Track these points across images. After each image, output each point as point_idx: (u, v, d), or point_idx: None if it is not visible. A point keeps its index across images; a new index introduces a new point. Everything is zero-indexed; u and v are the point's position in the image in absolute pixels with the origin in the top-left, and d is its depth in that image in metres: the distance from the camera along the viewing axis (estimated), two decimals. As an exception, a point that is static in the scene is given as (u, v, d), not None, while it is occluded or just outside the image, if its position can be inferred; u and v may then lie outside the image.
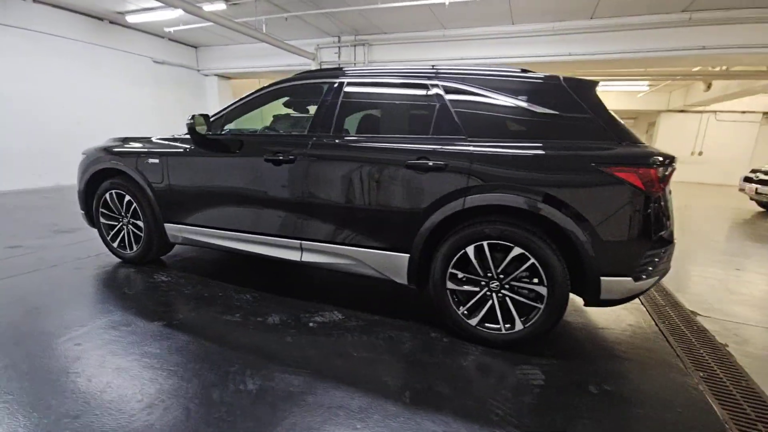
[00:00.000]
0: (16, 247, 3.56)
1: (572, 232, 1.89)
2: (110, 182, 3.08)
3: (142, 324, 2.23)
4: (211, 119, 2.75)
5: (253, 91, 2.77)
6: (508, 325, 2.06)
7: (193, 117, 2.62)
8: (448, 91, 2.25)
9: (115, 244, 3.21)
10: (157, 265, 3.20)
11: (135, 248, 3.12)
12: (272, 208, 2.56)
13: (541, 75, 2.18)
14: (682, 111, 13.26)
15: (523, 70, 2.28)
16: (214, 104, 10.63)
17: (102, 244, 3.30)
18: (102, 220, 3.19)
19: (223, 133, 2.84)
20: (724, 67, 8.17)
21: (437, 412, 1.59)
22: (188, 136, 2.76)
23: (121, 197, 3.06)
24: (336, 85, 2.52)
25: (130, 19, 7.55)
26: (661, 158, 1.88)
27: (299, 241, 2.53)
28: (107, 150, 3.10)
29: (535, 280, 1.98)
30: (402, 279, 2.30)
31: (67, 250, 3.50)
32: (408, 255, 2.23)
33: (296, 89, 2.82)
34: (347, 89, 2.50)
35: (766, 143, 12.64)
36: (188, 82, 10.27)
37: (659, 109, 13.66)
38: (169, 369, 1.81)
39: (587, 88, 2.06)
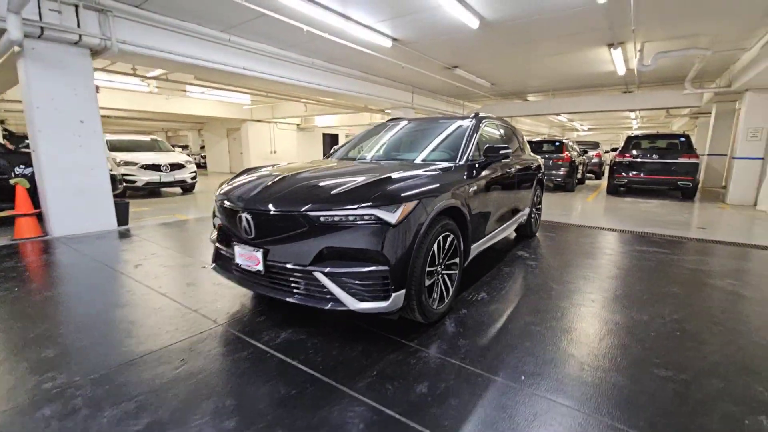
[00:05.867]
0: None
1: None
2: (441, 225, 2.61)
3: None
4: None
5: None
6: None
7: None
8: None
9: (435, 306, 2.66)
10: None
11: (448, 297, 2.79)
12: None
13: None
14: (259, 121, 17.67)
15: None
16: None
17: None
18: (427, 280, 2.54)
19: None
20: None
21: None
22: (446, 164, 3.14)
23: (448, 239, 2.72)
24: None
25: None
26: None
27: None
28: (443, 187, 2.68)
29: None
30: None
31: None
32: None
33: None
34: None
35: (300, 144, 20.10)
36: None
37: (244, 118, 17.24)
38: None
39: None
